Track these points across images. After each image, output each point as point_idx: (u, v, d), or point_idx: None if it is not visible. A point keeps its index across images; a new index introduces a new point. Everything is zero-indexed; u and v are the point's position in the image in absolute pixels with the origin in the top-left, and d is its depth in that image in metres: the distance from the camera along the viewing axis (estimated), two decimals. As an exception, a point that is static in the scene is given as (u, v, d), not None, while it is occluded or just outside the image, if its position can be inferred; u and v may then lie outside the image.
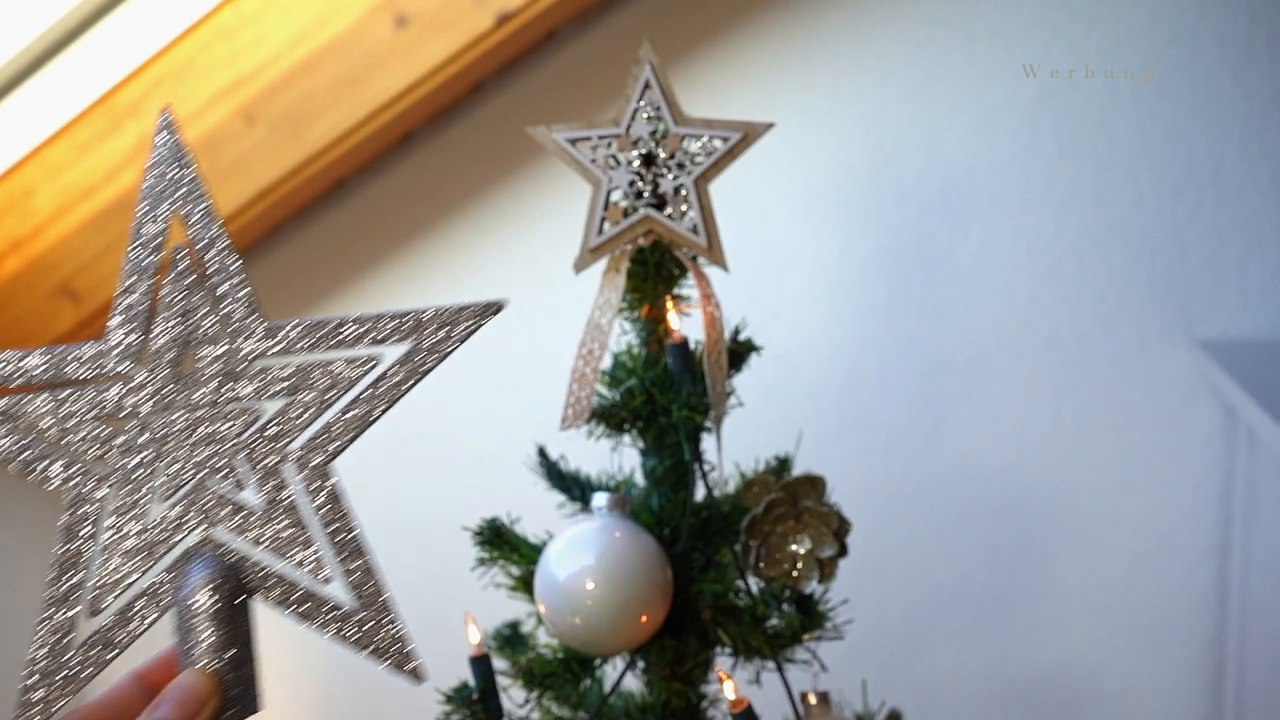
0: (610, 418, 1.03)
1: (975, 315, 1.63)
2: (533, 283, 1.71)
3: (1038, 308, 1.61)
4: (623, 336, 1.11)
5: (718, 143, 1.06)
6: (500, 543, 1.05)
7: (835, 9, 1.63)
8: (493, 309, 0.67)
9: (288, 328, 0.65)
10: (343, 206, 1.77)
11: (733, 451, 1.14)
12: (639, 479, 1.13)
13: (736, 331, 1.12)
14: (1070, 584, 1.65)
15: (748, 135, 1.07)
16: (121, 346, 0.65)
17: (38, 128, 1.60)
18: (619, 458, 1.12)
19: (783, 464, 1.14)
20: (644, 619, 0.96)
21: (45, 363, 0.64)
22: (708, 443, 1.07)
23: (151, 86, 1.59)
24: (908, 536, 1.67)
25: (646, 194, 1.06)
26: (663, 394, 1.04)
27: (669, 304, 1.06)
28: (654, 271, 1.08)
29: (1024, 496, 1.64)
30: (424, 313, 0.65)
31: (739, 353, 1.10)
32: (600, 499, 1.02)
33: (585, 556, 0.97)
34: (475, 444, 1.77)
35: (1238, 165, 1.56)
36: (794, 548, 1.02)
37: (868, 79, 1.64)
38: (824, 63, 1.64)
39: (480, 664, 1.05)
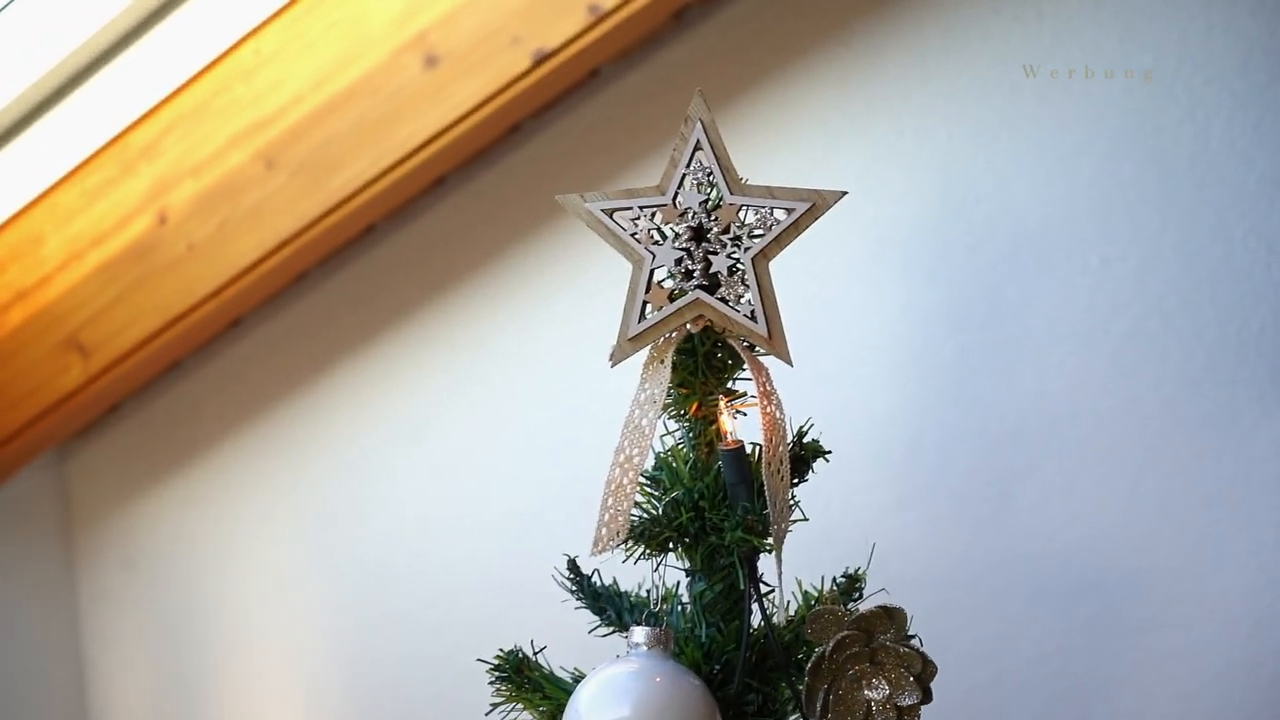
0: (653, 538, 0.87)
1: (1048, 378, 1.50)
2: (574, 340, 1.61)
3: (1117, 371, 1.49)
4: (666, 438, 0.98)
5: (780, 214, 0.92)
6: (521, 680, 0.87)
7: (898, 46, 1.53)
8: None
9: None
10: (372, 253, 1.67)
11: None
12: (684, 592, 0.98)
13: (801, 433, 0.98)
14: (1153, 674, 1.51)
15: (815, 206, 0.93)
16: None
17: (46, 171, 1.58)
18: (662, 574, 0.94)
19: (852, 581, 1.00)
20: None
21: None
22: (765, 562, 0.93)
23: (166, 128, 1.53)
24: (971, 619, 1.53)
25: (696, 274, 0.92)
26: (714, 509, 0.91)
27: (721, 403, 0.93)
28: (704, 363, 0.95)
29: (1101, 577, 1.51)
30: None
31: (804, 458, 0.97)
32: (639, 635, 0.87)
33: (620, 707, 0.84)
34: (493, 558, 1.65)
35: (1342, 218, 1.44)
36: (868, 694, 0.84)
37: (933, 122, 1.52)
38: (885, 104, 1.53)
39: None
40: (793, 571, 1.03)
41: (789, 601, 0.98)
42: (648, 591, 0.99)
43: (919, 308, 1.54)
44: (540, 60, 1.41)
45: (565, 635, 1.01)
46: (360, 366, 1.66)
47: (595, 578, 1.01)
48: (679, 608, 0.98)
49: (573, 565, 1.00)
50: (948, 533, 1.54)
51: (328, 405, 1.68)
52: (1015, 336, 1.51)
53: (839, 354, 1.56)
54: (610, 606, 0.98)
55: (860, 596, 0.99)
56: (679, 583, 1.00)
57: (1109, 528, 1.51)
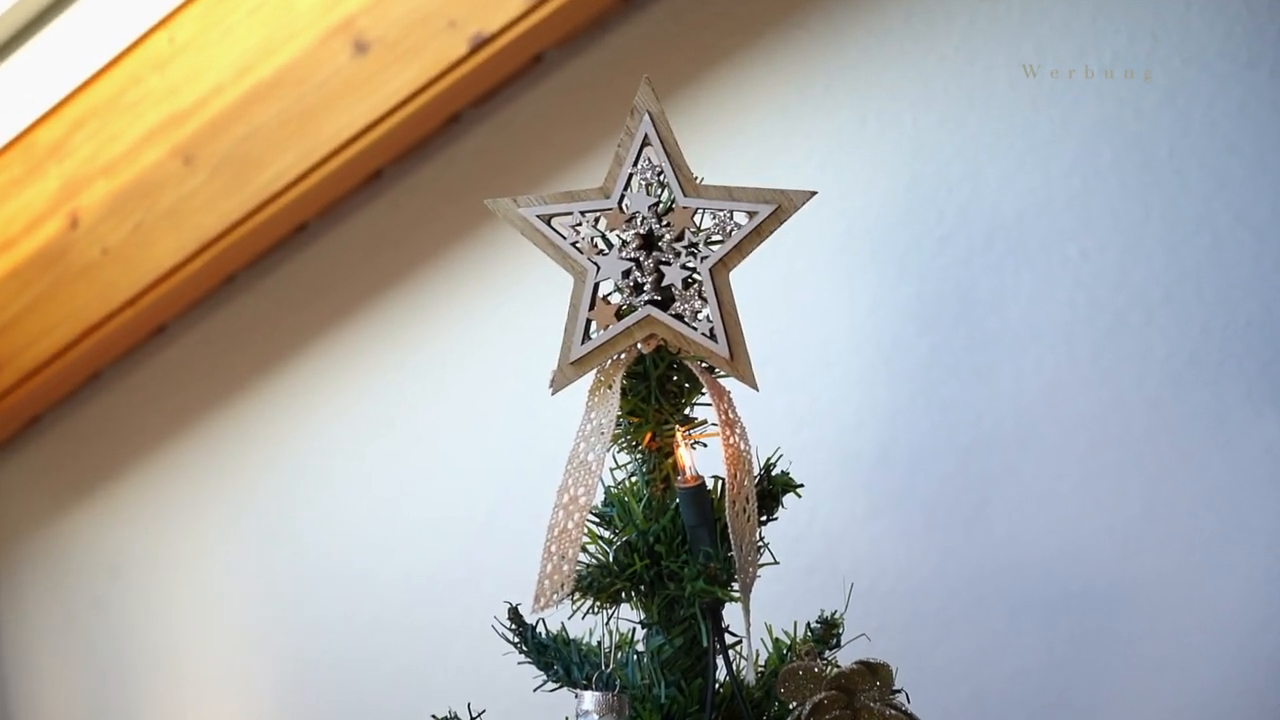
0: (602, 589, 0.77)
1: (1025, 377, 1.47)
2: (525, 344, 1.54)
3: (1098, 369, 1.45)
4: (616, 472, 0.88)
5: (741, 218, 0.84)
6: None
7: (860, 27, 1.49)
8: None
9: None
10: (305, 254, 1.61)
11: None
12: (641, 639, 0.89)
13: (768, 466, 0.89)
14: (1141, 688, 1.48)
15: (781, 208, 0.85)
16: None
17: (-56, 173, 1.50)
18: (614, 626, 0.84)
19: (829, 628, 0.91)
20: None
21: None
22: (731, 609, 0.84)
23: (74, 125, 1.47)
24: (947, 633, 1.49)
25: (647, 287, 0.84)
26: (671, 555, 0.81)
27: (678, 434, 0.84)
28: (657, 389, 0.86)
29: (1085, 587, 1.47)
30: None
31: (772, 494, 0.87)
32: (588, 702, 0.79)
33: (568, 791, 0.69)
34: (442, 577, 1.58)
35: (1334, 205, 1.44)
36: (849, 762, 0.72)
37: (899, 107, 1.48)
38: (847, 89, 1.49)
39: None
40: (760, 600, 0.95)
41: (757, 651, 0.88)
42: (599, 641, 0.88)
43: (888, 305, 1.50)
44: (479, 45, 1.37)
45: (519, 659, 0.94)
46: (295, 374, 1.60)
47: (540, 627, 0.90)
48: (634, 657, 0.87)
49: (514, 614, 0.90)
50: (921, 543, 1.51)
51: (261, 416, 1.61)
52: (990, 334, 1.48)
53: (803, 355, 1.52)
54: (557, 660, 0.87)
55: (838, 644, 0.90)
56: (634, 629, 0.90)
57: (1092, 535, 1.48)
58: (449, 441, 1.59)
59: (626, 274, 0.84)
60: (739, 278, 0.92)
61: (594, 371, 0.86)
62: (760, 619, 0.96)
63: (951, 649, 1.50)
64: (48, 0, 1.42)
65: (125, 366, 1.62)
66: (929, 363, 1.49)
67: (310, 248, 1.60)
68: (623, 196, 0.84)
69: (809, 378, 1.51)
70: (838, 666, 0.84)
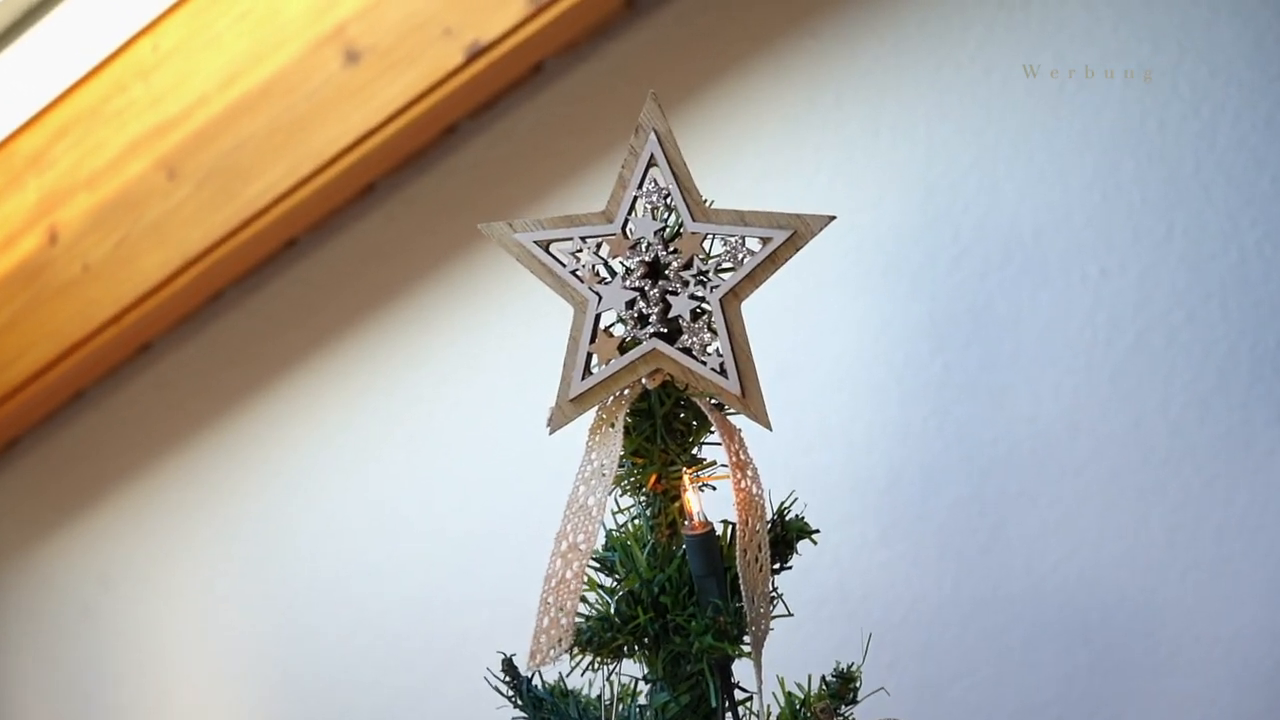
0: (603, 645, 0.74)
1: (1043, 400, 1.45)
2: (523, 363, 1.53)
3: (1119, 392, 1.44)
4: (618, 515, 0.84)
5: (754, 244, 0.79)
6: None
7: (872, 35, 1.47)
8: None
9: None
10: (295, 270, 1.58)
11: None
12: (642, 691, 0.85)
13: (782, 510, 0.84)
14: None
15: (797, 234, 0.80)
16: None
17: (-81, 184, 1.47)
18: (616, 680, 0.80)
19: (846, 682, 0.84)
20: None
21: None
22: (741, 664, 0.80)
23: (55, 135, 1.44)
24: (961, 665, 1.48)
25: (653, 318, 0.80)
26: (677, 607, 0.76)
27: (685, 476, 0.79)
28: (663, 427, 0.82)
29: (1104, 618, 1.46)
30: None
31: (787, 540, 0.82)
32: None
33: None
34: (436, 603, 1.56)
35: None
36: (869, 833, 0.66)
37: (913, 118, 1.46)
38: (860, 99, 1.47)
39: None
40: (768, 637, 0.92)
41: (769, 707, 0.83)
42: (599, 695, 0.83)
43: (900, 323, 1.49)
44: (476, 54, 1.34)
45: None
46: (285, 394, 1.57)
47: (536, 679, 0.85)
48: (636, 711, 0.82)
49: (509, 666, 0.84)
50: (935, 570, 1.50)
51: (249, 437, 1.58)
52: (1006, 354, 1.47)
53: (811, 375, 1.51)
54: (554, 715, 0.82)
55: (855, 699, 0.85)
56: (636, 681, 0.85)
57: (1112, 563, 1.47)
58: (445, 466, 1.57)
59: (630, 304, 0.79)
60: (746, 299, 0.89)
61: (595, 409, 0.81)
62: (770, 661, 0.92)
63: (967, 681, 1.49)
64: (27, 5, 1.40)
65: (110, 385, 1.60)
66: (942, 383, 1.48)
67: (300, 264, 1.58)
68: (626, 221, 0.80)
69: (817, 398, 1.50)
70: (856, 725, 0.79)
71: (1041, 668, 1.46)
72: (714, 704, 0.76)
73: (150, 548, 1.63)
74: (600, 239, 0.79)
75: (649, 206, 0.79)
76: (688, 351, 0.78)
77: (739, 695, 0.80)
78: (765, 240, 0.77)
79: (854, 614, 1.46)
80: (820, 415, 1.49)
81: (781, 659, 0.95)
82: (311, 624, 1.59)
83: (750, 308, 0.88)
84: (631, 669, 0.85)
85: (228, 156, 1.38)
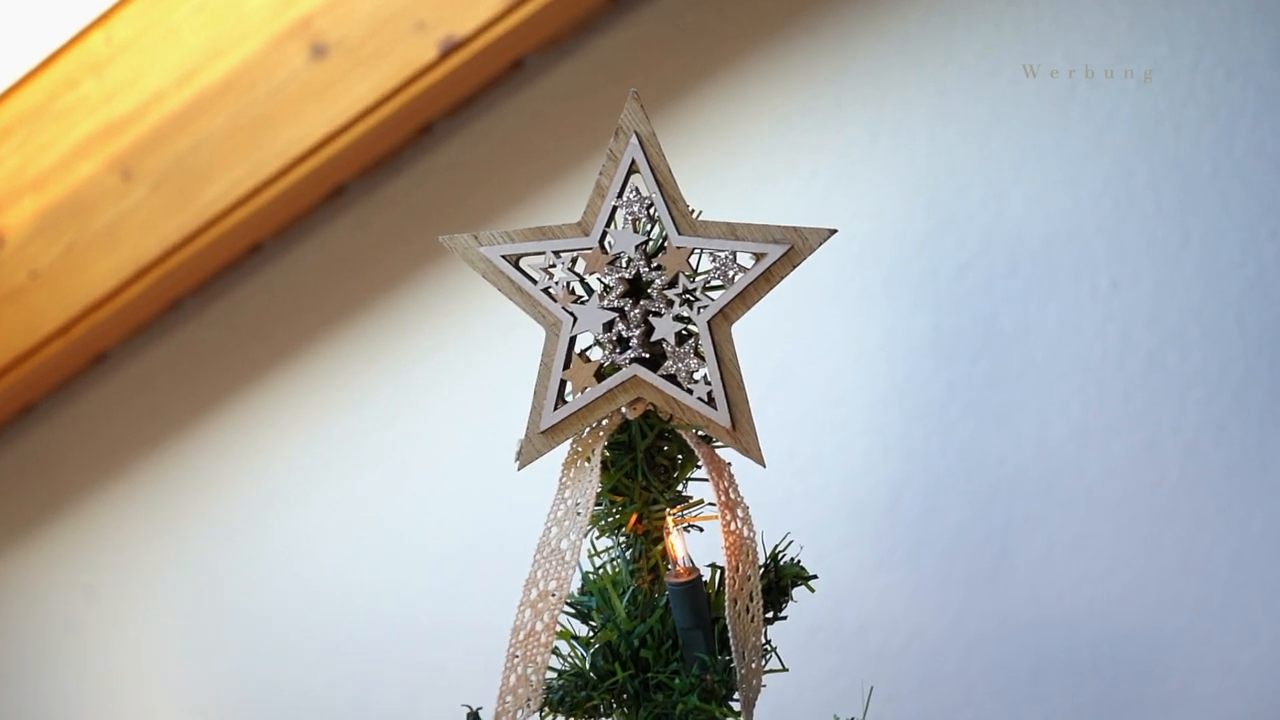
0: (577, 705, 0.71)
1: (1051, 419, 1.44)
2: (500, 377, 1.51)
3: (1131, 411, 1.42)
4: (595, 558, 0.80)
5: (746, 260, 0.75)
6: None
7: (873, 33, 1.46)
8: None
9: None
10: (259, 277, 1.56)
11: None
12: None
13: (775, 555, 0.80)
14: None
15: (794, 249, 0.77)
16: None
17: None
18: None
19: None
20: None
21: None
22: None
23: (1, 133, 1.41)
24: (965, 697, 1.47)
25: (633, 342, 0.76)
26: (659, 662, 0.72)
27: (669, 517, 0.75)
28: (645, 463, 0.78)
29: (1115, 647, 1.45)
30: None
31: (781, 588, 0.78)
32: None
33: None
34: (405, 630, 1.54)
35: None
36: None
37: (915, 122, 1.45)
38: (860, 100, 1.46)
39: None
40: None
41: None
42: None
43: (901, 337, 1.48)
44: (450, 49, 1.32)
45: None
46: (247, 409, 1.55)
47: None
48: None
49: (473, 718, 0.78)
50: (936, 598, 1.49)
51: (209, 454, 1.56)
52: (1013, 371, 1.46)
53: (807, 393, 1.50)
54: None
55: None
56: None
57: (1122, 591, 1.46)
58: (417, 484, 1.55)
59: (609, 326, 0.75)
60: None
61: (569, 442, 0.77)
62: (760, 700, 0.88)
63: (969, 715, 1.49)
64: (-32, -6, 1.37)
65: (62, 399, 1.56)
66: (946, 401, 1.47)
67: (265, 271, 1.56)
68: (605, 233, 0.75)
69: (813, 417, 1.49)
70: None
71: (1048, 701, 1.46)
72: (701, 770, 0.70)
73: (102, 566, 1.61)
74: (575, 253, 0.75)
75: (630, 217, 0.75)
76: (672, 379, 0.74)
77: (728, 754, 0.75)
78: (759, 256, 0.75)
79: (850, 644, 1.46)
80: (816, 435, 1.48)
81: (771, 693, 0.92)
82: (292, 639, 1.57)
83: (740, 323, 0.84)
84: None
85: (186, 157, 1.36)
